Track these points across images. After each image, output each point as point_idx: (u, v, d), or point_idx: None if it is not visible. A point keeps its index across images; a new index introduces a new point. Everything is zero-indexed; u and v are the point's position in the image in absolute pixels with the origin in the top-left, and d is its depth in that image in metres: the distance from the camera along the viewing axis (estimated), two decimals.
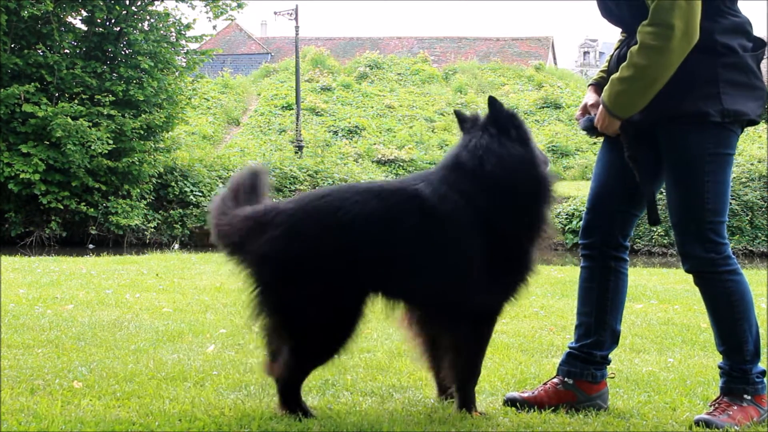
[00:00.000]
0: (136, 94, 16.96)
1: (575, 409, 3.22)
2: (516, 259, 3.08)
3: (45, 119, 15.68)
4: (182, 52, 18.82)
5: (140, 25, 17.80)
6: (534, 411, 3.18)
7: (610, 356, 3.38)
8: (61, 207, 16.05)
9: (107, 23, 17.59)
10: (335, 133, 27.45)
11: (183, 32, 18.55)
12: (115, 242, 16.54)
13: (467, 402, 3.11)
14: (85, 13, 17.50)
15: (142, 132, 16.86)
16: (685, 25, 2.86)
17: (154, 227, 17.15)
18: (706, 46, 2.95)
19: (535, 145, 3.20)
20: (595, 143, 23.68)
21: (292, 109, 27.96)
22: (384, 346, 4.39)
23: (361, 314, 2.99)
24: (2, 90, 15.70)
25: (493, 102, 3.14)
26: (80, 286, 6.83)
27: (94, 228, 16.46)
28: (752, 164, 17.74)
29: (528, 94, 30.17)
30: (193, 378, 3.55)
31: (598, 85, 3.31)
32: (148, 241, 16.76)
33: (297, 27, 27.69)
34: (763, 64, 3.15)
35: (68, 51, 17.31)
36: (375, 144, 26.15)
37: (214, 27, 21.27)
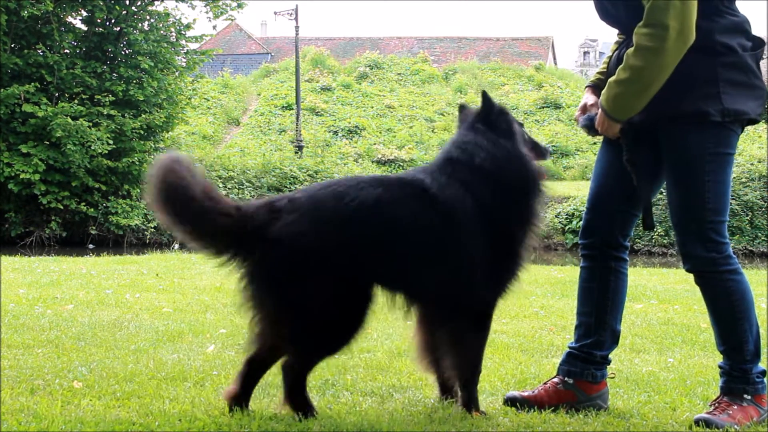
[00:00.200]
0: (136, 94, 16.96)
1: (575, 409, 3.22)
2: (508, 251, 3.12)
3: (45, 119, 15.68)
4: (182, 52, 18.83)
5: (140, 25, 17.81)
6: (534, 411, 3.18)
7: (610, 356, 3.38)
8: (61, 207, 16.05)
9: (107, 23, 17.59)
10: (335, 133, 27.45)
11: (183, 32, 18.56)
12: (115, 242, 16.55)
13: (470, 400, 3.12)
14: (85, 13, 17.51)
15: (142, 132, 16.87)
16: (680, 25, 2.85)
17: (154, 227, 17.14)
18: (705, 45, 2.95)
19: (526, 140, 3.24)
20: (595, 143, 23.69)
21: (292, 109, 27.97)
22: (384, 346, 4.39)
23: (370, 302, 2.99)
24: (2, 90, 15.70)
25: (485, 97, 3.21)
26: (80, 286, 6.83)
27: (94, 228, 16.47)
28: (752, 164, 17.74)
29: (528, 94, 30.17)
30: (193, 378, 3.55)
31: (595, 87, 3.32)
32: (148, 241, 16.77)
33: (297, 27, 27.71)
34: (763, 64, 3.15)
35: (68, 51, 17.32)
36: (375, 144, 26.15)
37: (214, 27, 21.29)
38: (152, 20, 18.04)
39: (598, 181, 3.29)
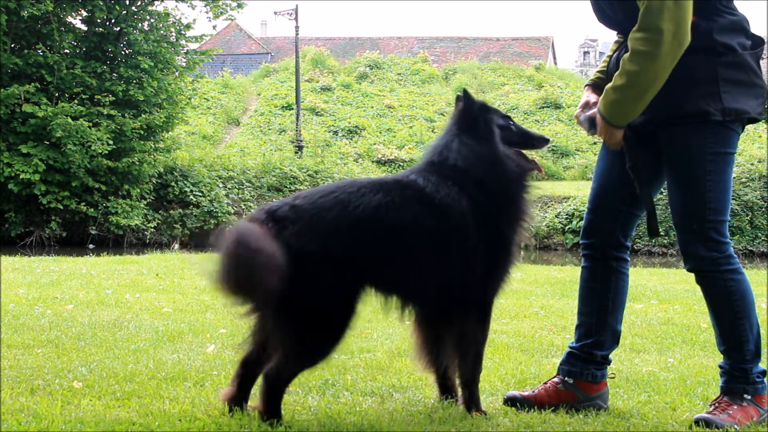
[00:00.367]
0: (136, 94, 16.96)
1: (575, 409, 3.23)
2: (500, 249, 3.14)
3: (45, 119, 15.67)
4: (182, 52, 18.82)
5: (140, 25, 17.80)
6: (534, 411, 3.18)
7: (611, 356, 3.38)
8: (61, 207, 16.05)
9: (107, 23, 17.58)
10: (335, 133, 27.46)
11: (183, 32, 18.55)
12: (115, 242, 16.54)
13: (472, 399, 3.13)
14: (85, 13, 17.49)
15: (142, 132, 16.86)
16: (675, 28, 2.84)
17: (154, 227, 17.14)
18: (705, 45, 2.95)
19: (515, 132, 3.24)
20: (595, 143, 23.71)
21: (292, 109, 27.97)
22: (384, 346, 4.39)
23: (356, 311, 2.99)
24: (2, 90, 15.69)
25: (465, 96, 3.23)
26: (80, 286, 6.83)
27: (94, 228, 16.46)
28: (752, 164, 17.75)
29: (528, 94, 30.17)
30: (193, 378, 3.55)
31: (594, 86, 3.32)
32: (148, 241, 16.77)
33: (297, 27, 27.72)
34: (763, 63, 3.14)
35: (68, 51, 17.30)
36: (375, 144, 26.16)
37: (214, 27, 21.32)
38: (152, 20, 18.03)
39: (600, 181, 3.29)
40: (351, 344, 4.39)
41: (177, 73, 18.47)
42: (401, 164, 24.09)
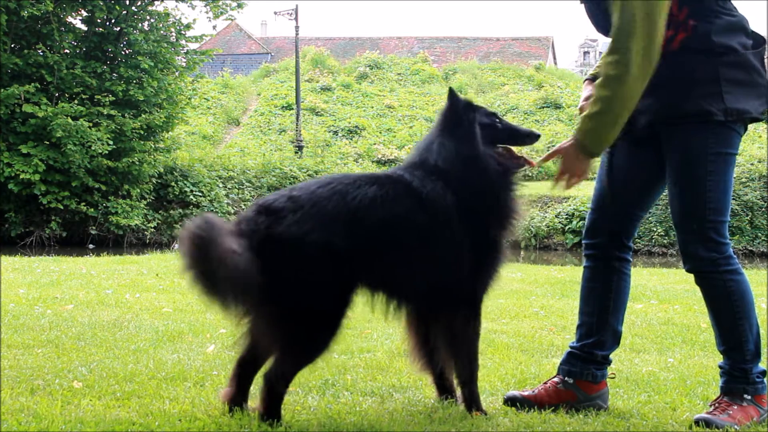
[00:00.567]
0: (136, 94, 16.96)
1: (575, 409, 3.23)
2: (488, 246, 3.14)
3: (45, 119, 15.67)
4: (182, 52, 18.81)
5: (140, 25, 17.79)
6: (534, 411, 3.18)
7: (611, 356, 3.38)
8: (61, 207, 16.05)
9: (107, 23, 17.58)
10: (335, 133, 27.46)
11: (183, 32, 18.55)
12: (115, 242, 16.54)
13: (472, 398, 3.14)
14: (85, 13, 17.49)
15: (142, 132, 16.86)
16: (645, 43, 2.83)
17: (154, 227, 17.14)
18: (705, 48, 2.95)
19: (501, 129, 3.25)
20: None
21: (292, 109, 27.98)
22: (384, 346, 4.39)
23: (351, 306, 2.97)
24: (2, 90, 15.69)
25: (449, 97, 3.26)
26: (80, 286, 6.83)
27: (94, 228, 16.46)
28: (752, 164, 17.73)
29: (528, 94, 30.17)
30: (193, 378, 3.55)
31: (594, 80, 3.31)
32: (148, 241, 16.77)
33: (297, 27, 27.73)
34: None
35: (68, 51, 17.30)
36: (375, 144, 26.16)
37: (214, 27, 21.33)
38: (152, 20, 18.03)
39: (604, 181, 3.29)
40: (351, 344, 4.39)
41: (177, 73, 18.46)
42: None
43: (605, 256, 3.29)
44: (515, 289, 7.23)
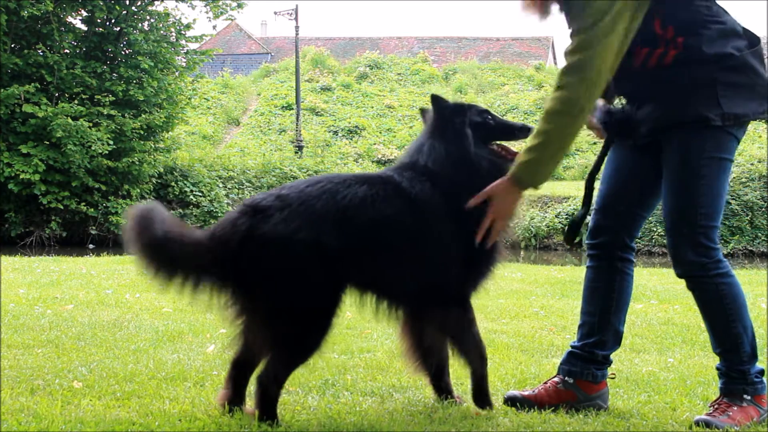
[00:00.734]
0: (136, 94, 16.96)
1: (575, 409, 3.22)
2: (479, 245, 3.12)
3: (45, 119, 15.68)
4: (182, 52, 18.83)
5: (140, 25, 17.81)
6: (534, 411, 3.18)
7: (612, 356, 3.38)
8: (61, 207, 16.05)
9: (107, 23, 17.59)
10: (335, 133, 27.47)
11: (183, 32, 18.56)
12: (115, 242, 16.53)
13: (483, 392, 3.18)
14: (85, 13, 17.50)
15: (142, 132, 16.86)
16: (591, 88, 2.88)
17: None
18: (699, 59, 2.95)
19: (493, 126, 3.26)
20: (595, 143, 23.69)
21: (292, 109, 27.98)
22: (384, 346, 4.39)
23: (341, 305, 2.97)
24: (2, 90, 15.70)
25: (434, 103, 3.26)
26: (80, 286, 6.83)
27: (94, 228, 16.46)
28: (752, 164, 17.73)
29: (528, 94, 30.17)
30: (193, 378, 3.55)
31: None
32: None
33: (297, 27, 27.74)
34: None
35: (68, 51, 17.31)
36: (375, 144, 26.17)
37: (214, 27, 21.33)
38: (152, 20, 18.04)
39: (609, 182, 3.29)
40: (351, 344, 4.39)
41: (177, 73, 18.48)
42: None
43: (608, 256, 3.29)
44: (515, 289, 7.23)
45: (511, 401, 3.26)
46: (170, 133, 18.72)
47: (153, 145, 17.54)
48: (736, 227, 16.39)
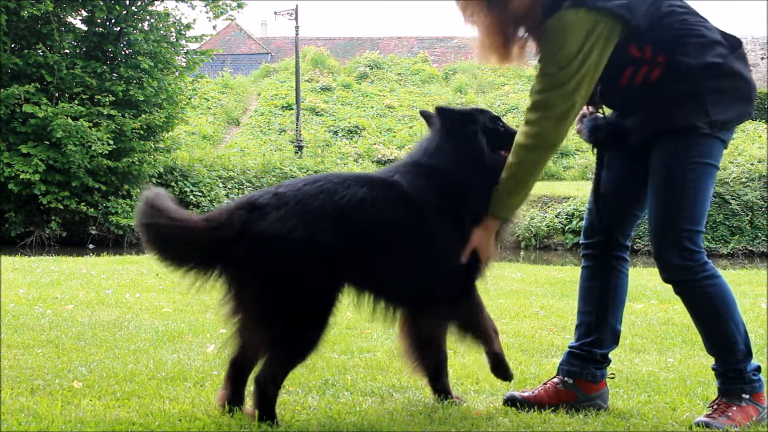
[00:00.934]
0: (136, 94, 16.95)
1: (575, 409, 3.23)
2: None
3: (45, 119, 15.67)
4: (182, 52, 18.80)
5: (140, 25, 17.78)
6: (534, 411, 3.18)
7: (610, 356, 3.38)
8: (61, 207, 16.04)
9: (107, 23, 17.57)
10: (335, 133, 27.46)
11: (183, 32, 18.54)
12: (115, 242, 16.54)
13: (503, 365, 3.23)
14: (85, 13, 17.47)
15: (142, 132, 16.85)
16: (559, 123, 2.95)
17: None
18: (684, 72, 2.96)
19: (503, 133, 3.28)
20: None
21: (292, 109, 27.97)
22: (384, 346, 4.39)
23: (337, 305, 2.98)
24: (2, 90, 15.69)
25: (439, 111, 3.26)
26: (80, 286, 6.83)
27: (94, 228, 16.45)
28: (752, 164, 17.71)
29: (528, 95, 30.11)
30: (193, 378, 3.55)
31: None
32: None
33: (297, 27, 27.73)
34: (765, 62, 3.13)
35: (68, 51, 17.29)
36: (375, 144, 26.16)
37: (214, 27, 21.30)
38: (152, 20, 18.02)
39: (602, 182, 3.30)
40: (351, 344, 4.39)
41: (177, 73, 18.46)
42: None
43: (603, 255, 3.30)
44: (515, 289, 7.23)
45: (511, 402, 3.26)
46: (170, 133, 18.70)
47: (153, 145, 17.52)
48: (736, 227, 16.38)
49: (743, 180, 17.01)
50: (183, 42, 18.67)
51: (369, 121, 28.19)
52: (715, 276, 3.06)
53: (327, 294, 2.91)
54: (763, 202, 16.71)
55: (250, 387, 3.05)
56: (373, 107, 29.71)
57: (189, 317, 5.31)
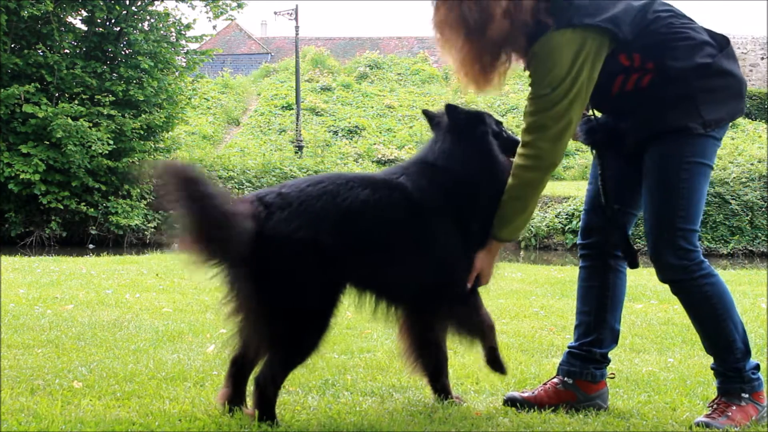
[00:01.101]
0: (136, 94, 16.96)
1: (575, 409, 3.23)
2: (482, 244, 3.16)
3: (45, 119, 15.67)
4: (182, 52, 18.81)
5: (140, 25, 17.79)
6: (534, 411, 3.18)
7: (610, 356, 3.38)
8: (61, 207, 16.04)
9: (107, 23, 17.58)
10: (335, 133, 27.45)
11: (183, 32, 18.55)
12: (115, 242, 16.54)
13: (497, 359, 3.25)
14: (85, 13, 17.49)
15: (142, 132, 16.86)
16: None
17: (155, 227, 17.12)
18: (675, 76, 2.97)
19: (505, 138, 3.28)
20: None
21: (292, 109, 27.97)
22: (384, 346, 4.39)
23: (339, 305, 2.98)
24: (2, 90, 15.69)
25: (449, 110, 3.24)
26: (80, 286, 6.83)
27: (94, 228, 16.46)
28: (752, 164, 17.71)
29: (528, 94, 30.11)
30: (193, 378, 3.55)
31: None
32: (148, 241, 16.76)
33: (297, 27, 27.73)
34: (764, 62, 3.13)
35: (68, 51, 17.30)
36: (375, 144, 26.15)
37: (214, 27, 21.33)
38: (152, 20, 18.03)
39: (598, 182, 3.30)
40: (351, 344, 4.39)
41: (177, 73, 18.47)
42: None
43: (601, 255, 3.30)
44: (515, 289, 7.23)
45: (511, 402, 3.26)
46: (170, 133, 18.71)
47: (153, 145, 17.53)
48: (736, 227, 16.38)
49: (743, 180, 17.01)
50: (183, 42, 18.69)
51: (369, 121, 28.18)
52: (711, 275, 3.06)
53: (328, 295, 2.91)
54: (763, 202, 16.71)
55: (250, 387, 3.05)
56: (373, 107, 29.71)
57: (189, 317, 5.31)
